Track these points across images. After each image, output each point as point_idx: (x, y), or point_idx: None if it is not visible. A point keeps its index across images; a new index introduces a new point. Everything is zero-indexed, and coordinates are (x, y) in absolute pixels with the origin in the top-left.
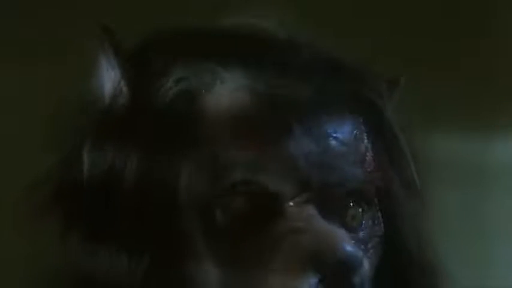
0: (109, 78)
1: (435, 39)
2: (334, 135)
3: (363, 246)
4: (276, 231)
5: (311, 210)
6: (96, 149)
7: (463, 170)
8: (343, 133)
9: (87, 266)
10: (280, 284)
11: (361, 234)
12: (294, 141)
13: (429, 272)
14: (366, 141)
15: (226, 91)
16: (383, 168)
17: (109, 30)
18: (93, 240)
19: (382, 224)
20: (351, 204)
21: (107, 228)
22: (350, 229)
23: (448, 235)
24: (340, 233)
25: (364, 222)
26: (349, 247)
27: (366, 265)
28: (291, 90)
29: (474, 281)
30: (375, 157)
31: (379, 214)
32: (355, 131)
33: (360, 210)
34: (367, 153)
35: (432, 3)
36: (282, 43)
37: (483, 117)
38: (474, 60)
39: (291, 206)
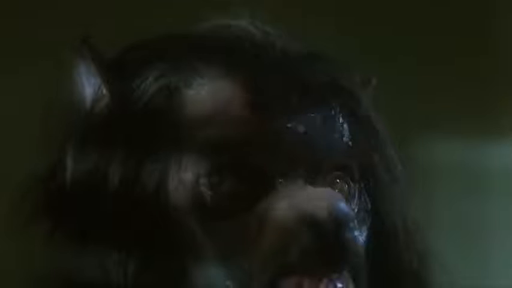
0: (90, 83)
1: (432, 40)
2: (316, 115)
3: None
4: (267, 204)
5: (301, 184)
6: (80, 153)
7: (461, 173)
8: (324, 114)
9: (76, 268)
10: (275, 246)
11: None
12: (279, 121)
13: (417, 256)
14: (345, 124)
15: (207, 85)
16: (362, 147)
17: (88, 39)
18: (81, 242)
19: (368, 200)
20: (337, 180)
21: (94, 229)
22: None
23: (447, 237)
24: (332, 192)
25: (350, 196)
26: (342, 204)
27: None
28: (271, 79)
29: (472, 280)
30: (354, 137)
31: (365, 191)
32: (334, 114)
33: (346, 186)
34: (347, 133)
35: (432, 4)
36: (258, 39)
37: (482, 120)
38: (473, 62)
39: (281, 182)
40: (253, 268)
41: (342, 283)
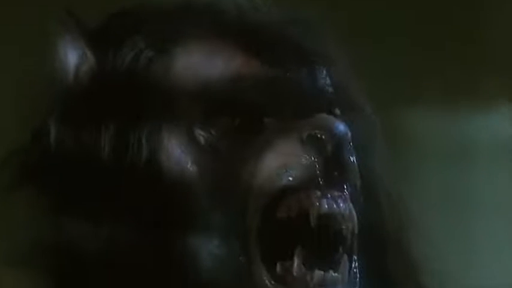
0: (73, 52)
1: (423, 26)
2: (302, 66)
3: None
4: (264, 136)
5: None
6: (63, 121)
7: (448, 144)
8: (308, 66)
9: (59, 237)
10: (274, 171)
11: None
12: (268, 67)
13: (401, 226)
14: (328, 77)
15: (195, 43)
16: (345, 97)
17: (71, 10)
18: (65, 210)
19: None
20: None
21: (82, 199)
22: None
23: (431, 207)
24: (329, 116)
25: None
26: (341, 125)
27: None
28: (259, 34)
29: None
30: (336, 89)
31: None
32: (318, 67)
33: None
34: (330, 84)
35: None
36: (246, 7)
37: (465, 92)
38: (457, 36)
39: (275, 117)
40: (250, 198)
41: (344, 202)
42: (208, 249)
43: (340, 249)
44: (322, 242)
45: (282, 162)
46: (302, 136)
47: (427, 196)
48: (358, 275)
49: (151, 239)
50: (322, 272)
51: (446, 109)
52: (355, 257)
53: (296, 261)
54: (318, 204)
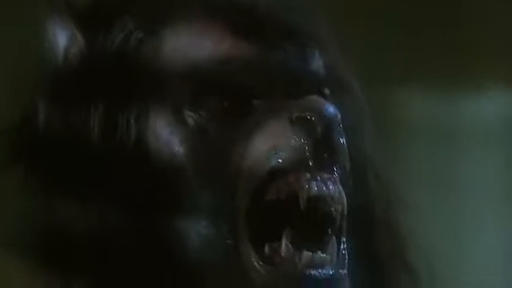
0: (62, 33)
1: (411, 2)
2: (293, 47)
3: None
4: (253, 118)
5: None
6: (52, 101)
7: (434, 126)
8: (299, 47)
9: (49, 217)
10: (264, 152)
11: None
12: (258, 48)
13: (389, 205)
14: (319, 59)
15: (184, 25)
16: (335, 78)
17: None
18: (54, 191)
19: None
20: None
21: (71, 179)
22: None
23: (420, 189)
24: (319, 98)
25: None
26: (330, 107)
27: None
28: (249, 15)
29: (447, 231)
30: (327, 70)
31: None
32: (309, 48)
33: None
34: (321, 66)
35: None
36: None
37: (455, 75)
38: (448, 18)
39: (265, 99)
40: (239, 179)
41: (334, 185)
42: (196, 230)
43: (329, 230)
44: (311, 223)
45: (271, 144)
46: (292, 118)
47: (415, 178)
48: (346, 256)
49: (139, 219)
50: (310, 253)
51: (436, 92)
52: (344, 239)
53: (284, 242)
54: (307, 186)
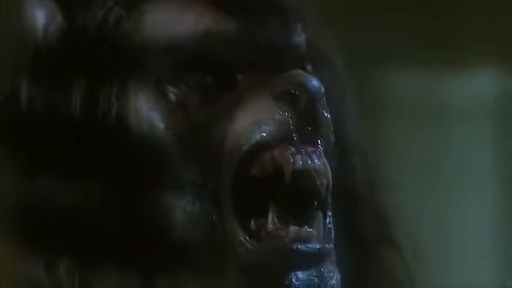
0: (42, 11)
1: None
2: (276, 20)
3: None
4: (236, 93)
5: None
6: (34, 80)
7: (422, 104)
8: (282, 21)
9: (33, 195)
10: (247, 127)
11: None
12: (241, 20)
13: (373, 184)
14: (302, 34)
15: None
16: (318, 53)
17: None
18: (38, 169)
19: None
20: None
21: (54, 157)
22: None
23: (405, 168)
24: (302, 72)
25: None
26: (313, 80)
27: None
28: None
29: (434, 210)
30: (309, 45)
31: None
32: (292, 23)
33: None
34: (304, 40)
35: None
36: None
37: (441, 53)
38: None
39: (247, 73)
40: (223, 155)
41: (318, 158)
42: (181, 206)
43: (315, 204)
44: (297, 197)
45: (255, 118)
46: (275, 92)
47: (402, 157)
48: (332, 231)
49: (122, 195)
50: (297, 228)
51: (424, 69)
52: (330, 213)
53: (270, 217)
54: (292, 160)
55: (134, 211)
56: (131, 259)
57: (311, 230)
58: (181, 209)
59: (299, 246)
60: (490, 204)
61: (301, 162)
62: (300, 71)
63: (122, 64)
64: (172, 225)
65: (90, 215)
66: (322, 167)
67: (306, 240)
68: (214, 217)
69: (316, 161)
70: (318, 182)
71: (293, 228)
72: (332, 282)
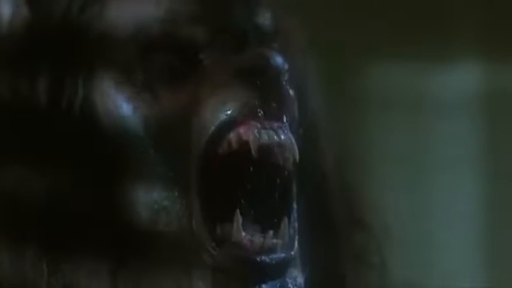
0: (6, 3)
1: None
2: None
3: None
4: (201, 73)
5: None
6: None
7: (405, 96)
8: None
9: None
10: (213, 107)
11: None
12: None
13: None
14: (267, 12)
15: None
16: (284, 35)
17: None
18: (5, 160)
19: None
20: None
21: (22, 148)
22: None
23: (388, 161)
24: (266, 49)
25: None
26: (278, 57)
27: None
28: None
29: (414, 201)
30: (275, 26)
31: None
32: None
33: None
34: (269, 20)
35: None
36: None
37: (425, 47)
38: None
39: (212, 51)
40: (190, 136)
41: (284, 133)
42: (149, 196)
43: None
44: (262, 194)
45: (219, 97)
46: (238, 68)
47: (383, 150)
48: (296, 235)
49: (90, 183)
50: (262, 239)
51: (408, 63)
52: (295, 215)
53: (235, 224)
54: (257, 135)
55: (102, 199)
56: (98, 248)
57: (275, 240)
58: (148, 197)
59: (263, 258)
60: (471, 196)
61: (266, 137)
62: (263, 49)
63: (87, 50)
64: (138, 213)
65: (57, 203)
66: (288, 142)
67: (271, 250)
68: (183, 217)
69: (282, 136)
70: (285, 156)
71: (258, 239)
72: None
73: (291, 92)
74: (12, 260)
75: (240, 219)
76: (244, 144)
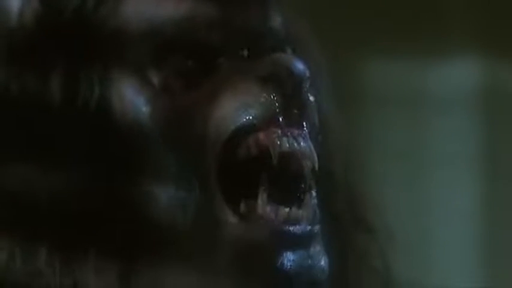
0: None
1: None
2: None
3: None
4: (220, 76)
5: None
6: (9, 67)
7: (402, 92)
8: (261, 5)
9: (12, 186)
10: (231, 110)
11: None
12: (219, 3)
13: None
14: (279, 17)
15: None
16: (295, 37)
17: None
18: (17, 158)
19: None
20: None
21: (33, 145)
22: None
23: (386, 158)
24: (287, 55)
25: None
26: (299, 63)
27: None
28: None
29: (411, 199)
30: (287, 29)
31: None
32: (270, 6)
33: None
34: (282, 24)
35: None
36: None
37: (423, 43)
38: None
39: (229, 57)
40: (208, 139)
41: (304, 141)
42: (166, 192)
43: (302, 187)
44: (285, 180)
45: (240, 101)
46: (260, 74)
47: (381, 146)
48: (317, 212)
49: (106, 181)
50: (287, 209)
51: (405, 58)
52: (315, 196)
53: (260, 199)
54: (278, 142)
55: (117, 197)
56: (113, 246)
57: (301, 211)
58: (167, 196)
59: (289, 228)
60: (471, 194)
61: (287, 145)
62: (283, 54)
63: (102, 47)
64: (157, 212)
65: (71, 201)
66: (308, 150)
67: (296, 221)
68: (201, 201)
69: (302, 143)
70: (305, 165)
71: (283, 210)
72: (321, 264)
73: (312, 99)
74: (24, 258)
75: (265, 194)
76: (263, 151)
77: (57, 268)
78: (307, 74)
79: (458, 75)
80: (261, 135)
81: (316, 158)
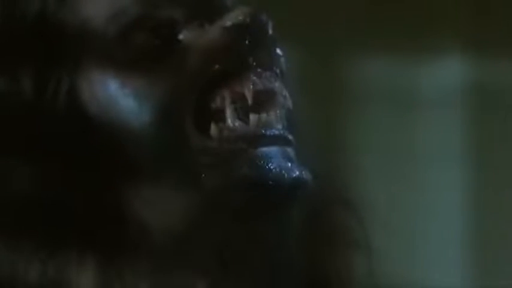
0: None
1: None
2: None
3: None
4: (187, 41)
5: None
6: None
7: (390, 90)
8: None
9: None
10: (203, 59)
11: None
12: None
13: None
14: None
15: None
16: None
17: None
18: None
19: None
20: None
21: (8, 147)
22: None
23: (376, 153)
24: (249, 6)
25: None
26: (263, 14)
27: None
28: None
29: (401, 198)
30: None
31: None
32: None
33: None
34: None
35: None
36: None
37: (410, 40)
38: None
39: (189, 31)
40: (182, 96)
41: (278, 81)
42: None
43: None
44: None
45: (208, 54)
46: (225, 26)
47: (371, 145)
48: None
49: (83, 169)
50: (256, 115)
51: (392, 56)
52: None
53: (228, 112)
54: (251, 84)
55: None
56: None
57: (270, 115)
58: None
59: (262, 130)
60: (459, 190)
61: (261, 85)
62: (246, 6)
63: (68, 43)
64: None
65: (48, 198)
66: (281, 88)
67: (267, 125)
68: (176, 140)
69: (276, 84)
70: (279, 99)
71: (253, 116)
72: (301, 169)
73: (279, 48)
74: (7, 256)
75: (233, 107)
76: (239, 98)
77: (38, 266)
78: (271, 24)
79: (446, 73)
80: (235, 83)
81: (290, 100)
